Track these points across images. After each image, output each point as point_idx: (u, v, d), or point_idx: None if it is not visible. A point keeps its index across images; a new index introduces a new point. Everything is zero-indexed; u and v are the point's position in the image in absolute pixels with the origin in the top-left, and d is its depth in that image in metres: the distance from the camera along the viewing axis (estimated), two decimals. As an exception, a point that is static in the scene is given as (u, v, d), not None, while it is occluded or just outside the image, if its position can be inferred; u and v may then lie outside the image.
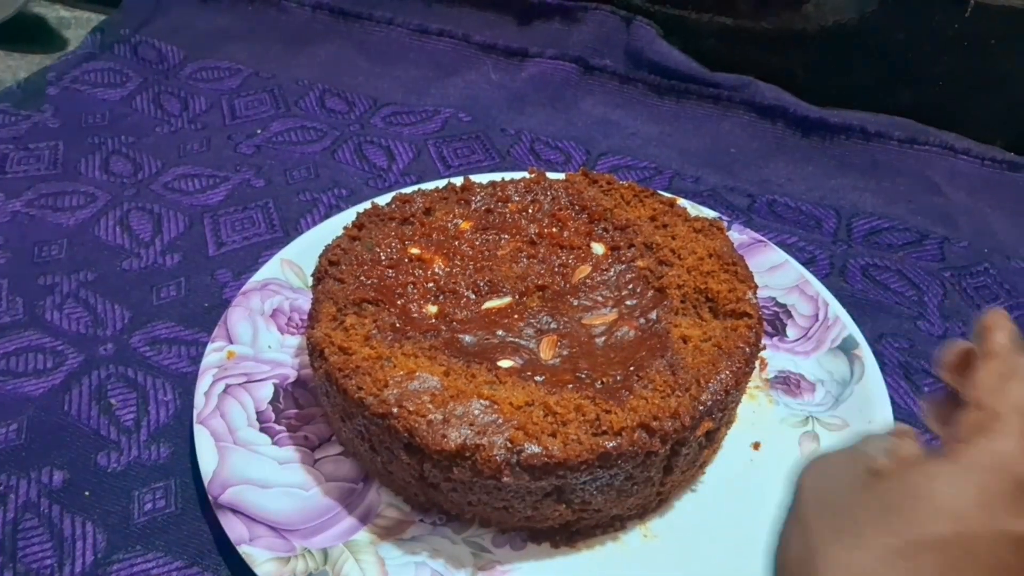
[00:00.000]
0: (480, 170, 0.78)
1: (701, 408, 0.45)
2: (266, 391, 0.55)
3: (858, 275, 0.67)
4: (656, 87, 0.86)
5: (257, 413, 0.54)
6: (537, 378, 0.48)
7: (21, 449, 0.52)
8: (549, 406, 0.45)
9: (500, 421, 0.44)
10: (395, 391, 0.45)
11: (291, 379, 0.56)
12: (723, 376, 0.47)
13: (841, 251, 0.70)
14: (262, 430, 0.53)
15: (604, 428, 0.44)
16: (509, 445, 0.42)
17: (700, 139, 0.82)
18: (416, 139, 0.82)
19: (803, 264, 0.67)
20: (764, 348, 0.57)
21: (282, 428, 0.53)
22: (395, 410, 0.44)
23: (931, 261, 0.69)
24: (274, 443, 0.52)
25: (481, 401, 0.45)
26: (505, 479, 0.42)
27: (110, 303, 0.62)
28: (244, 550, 0.45)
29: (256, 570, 0.44)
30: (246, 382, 0.55)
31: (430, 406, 0.44)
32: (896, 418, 0.54)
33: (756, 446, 0.53)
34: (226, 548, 0.46)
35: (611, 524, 0.48)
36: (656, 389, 0.46)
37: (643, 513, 0.49)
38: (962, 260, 0.69)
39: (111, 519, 0.48)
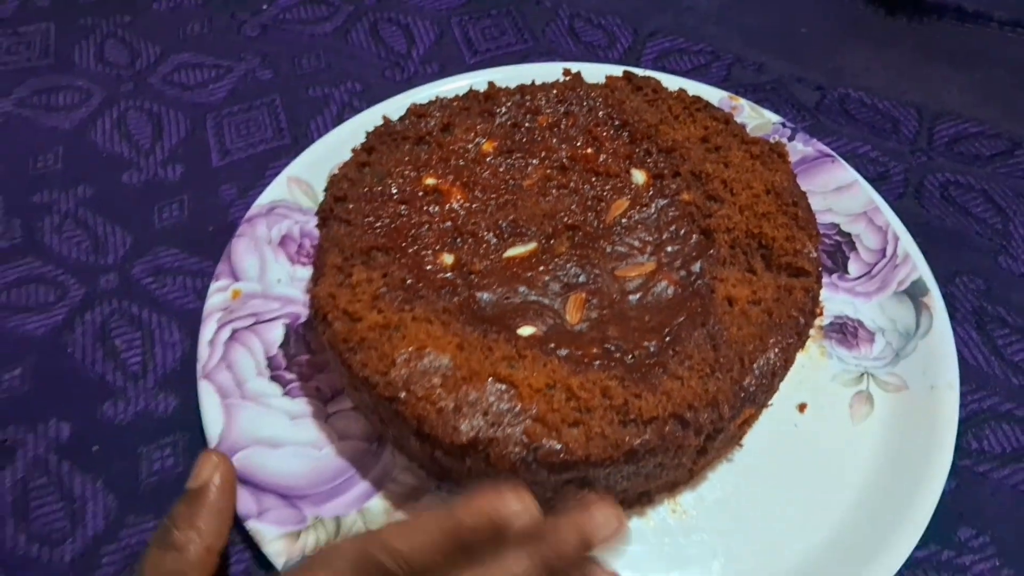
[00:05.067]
0: (510, 56, 0.70)
1: (743, 395, 0.41)
2: (276, 333, 0.52)
3: (936, 196, 0.59)
4: (718, -52, 0.74)
5: (267, 359, 0.51)
6: (561, 351, 0.43)
7: (26, 398, 0.50)
8: (572, 389, 0.40)
9: (517, 409, 0.40)
10: (403, 371, 0.41)
11: (302, 318, 0.53)
12: (771, 355, 0.42)
13: (919, 163, 0.61)
14: (272, 379, 0.50)
15: (632, 416, 0.39)
16: (525, 440, 0.39)
17: (766, 15, 0.71)
18: (439, 15, 0.73)
19: (875, 179, 0.59)
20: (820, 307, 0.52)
21: (293, 376, 0.50)
22: (402, 395, 0.40)
23: (1022, 178, 0.60)
24: (285, 394, 0.49)
25: (497, 384, 0.40)
26: (521, 475, 0.39)
27: (110, 224, 0.58)
28: (252, 526, 0.43)
29: (264, 549, 0.43)
30: (254, 323, 0.52)
31: (440, 391, 0.40)
32: (961, 377, 0.48)
33: (802, 408, 0.49)
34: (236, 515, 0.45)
35: (637, 500, 0.45)
36: (693, 368, 0.41)
37: (672, 487, 0.46)
38: (1059, 176, 0.60)
39: (119, 480, 0.47)
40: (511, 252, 0.48)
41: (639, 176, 0.52)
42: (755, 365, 0.41)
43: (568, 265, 0.48)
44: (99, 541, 0.45)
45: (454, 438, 0.39)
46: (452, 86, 0.62)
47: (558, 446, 0.39)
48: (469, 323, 0.44)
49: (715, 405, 0.40)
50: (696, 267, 0.47)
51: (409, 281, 0.46)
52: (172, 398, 0.50)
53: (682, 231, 0.49)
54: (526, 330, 0.44)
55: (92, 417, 0.50)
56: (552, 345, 0.43)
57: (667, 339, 0.43)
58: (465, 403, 0.40)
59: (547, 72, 0.60)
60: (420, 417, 0.40)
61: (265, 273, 0.54)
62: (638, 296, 0.46)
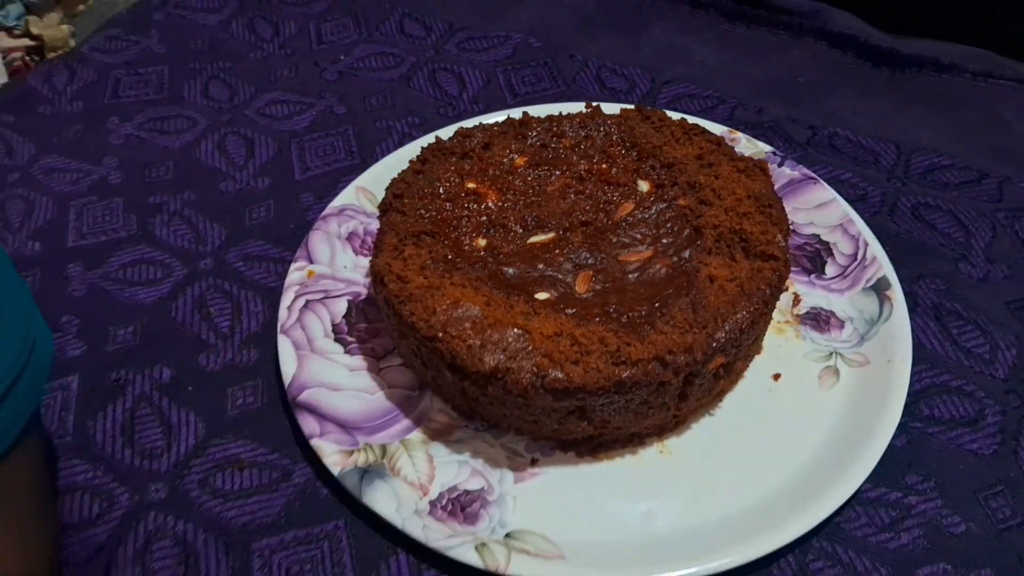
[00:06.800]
0: (545, 98, 0.82)
1: (714, 345, 0.50)
2: (340, 306, 0.63)
3: (907, 214, 0.68)
4: (727, 13, 0.86)
5: (332, 326, 0.61)
6: (569, 311, 0.53)
7: (137, 349, 0.62)
8: (575, 337, 0.50)
9: (530, 348, 0.50)
10: (442, 318, 0.51)
11: (362, 296, 0.64)
12: (739, 316, 0.51)
13: (894, 188, 0.70)
14: (336, 340, 0.61)
15: (623, 359, 0.49)
16: (535, 370, 0.48)
17: (767, 68, 0.82)
18: (487, 66, 0.86)
19: (854, 201, 0.68)
20: (787, 289, 0.61)
21: (353, 340, 0.61)
22: (440, 334, 0.50)
23: (986, 201, 0.69)
24: (346, 352, 0.60)
25: (515, 330, 0.50)
26: (531, 399, 0.49)
27: (209, 222, 0.71)
28: (315, 443, 0.53)
29: (324, 460, 0.52)
30: (324, 298, 0.63)
31: (470, 332, 0.50)
32: (917, 357, 0.57)
33: (776, 377, 0.58)
34: (302, 440, 0.55)
35: (630, 440, 0.54)
36: (676, 325, 0.51)
37: (660, 432, 0.55)
38: (1020, 201, 0.69)
39: (209, 411, 0.58)
40: (534, 239, 0.59)
41: (644, 185, 0.63)
42: (726, 323, 0.51)
43: (580, 251, 0.58)
44: (189, 455, 0.55)
45: (480, 367, 0.49)
46: (494, 120, 0.74)
47: (561, 375, 0.48)
48: (496, 288, 0.55)
49: (690, 351, 0.49)
50: (686, 254, 0.57)
51: (450, 257, 0.57)
52: (253, 353, 0.61)
53: (676, 227, 0.59)
54: (541, 295, 0.55)
55: (189, 365, 0.61)
56: (562, 306, 0.54)
57: (656, 305, 0.53)
58: (489, 342, 0.50)
59: (573, 109, 0.71)
60: (454, 352, 0.50)
61: (334, 260, 0.66)
62: (636, 275, 0.56)
